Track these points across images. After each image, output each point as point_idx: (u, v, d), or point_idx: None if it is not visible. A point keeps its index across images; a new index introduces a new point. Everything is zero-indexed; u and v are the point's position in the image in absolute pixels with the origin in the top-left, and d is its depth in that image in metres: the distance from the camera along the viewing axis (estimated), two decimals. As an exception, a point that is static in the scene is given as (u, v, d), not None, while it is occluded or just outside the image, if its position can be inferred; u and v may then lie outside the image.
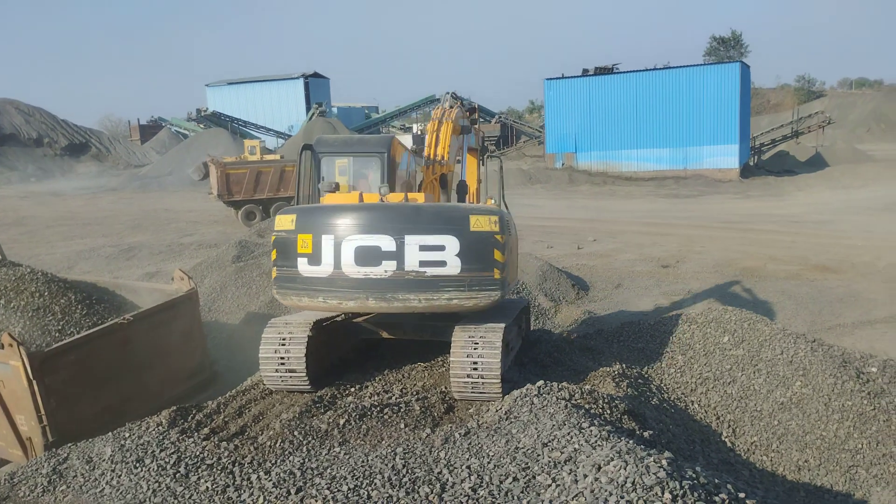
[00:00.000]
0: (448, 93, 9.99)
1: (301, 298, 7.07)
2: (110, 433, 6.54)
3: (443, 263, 6.73)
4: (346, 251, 6.81)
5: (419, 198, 7.81)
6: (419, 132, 66.38)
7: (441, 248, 6.73)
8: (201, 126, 67.34)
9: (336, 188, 7.96)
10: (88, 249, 23.33)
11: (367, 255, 6.78)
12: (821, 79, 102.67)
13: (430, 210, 7.11)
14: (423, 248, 6.72)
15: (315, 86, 77.34)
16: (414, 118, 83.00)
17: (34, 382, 7.27)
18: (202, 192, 38.98)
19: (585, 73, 48.56)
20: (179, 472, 5.85)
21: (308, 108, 71.39)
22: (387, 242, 6.75)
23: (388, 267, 6.76)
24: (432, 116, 9.36)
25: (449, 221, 6.84)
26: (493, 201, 8.76)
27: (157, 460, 6.01)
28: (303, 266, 6.97)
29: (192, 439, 6.35)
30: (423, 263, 6.73)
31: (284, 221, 7.10)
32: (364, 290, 6.83)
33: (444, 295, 6.77)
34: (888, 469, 6.94)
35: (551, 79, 48.04)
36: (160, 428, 6.54)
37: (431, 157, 8.95)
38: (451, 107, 9.55)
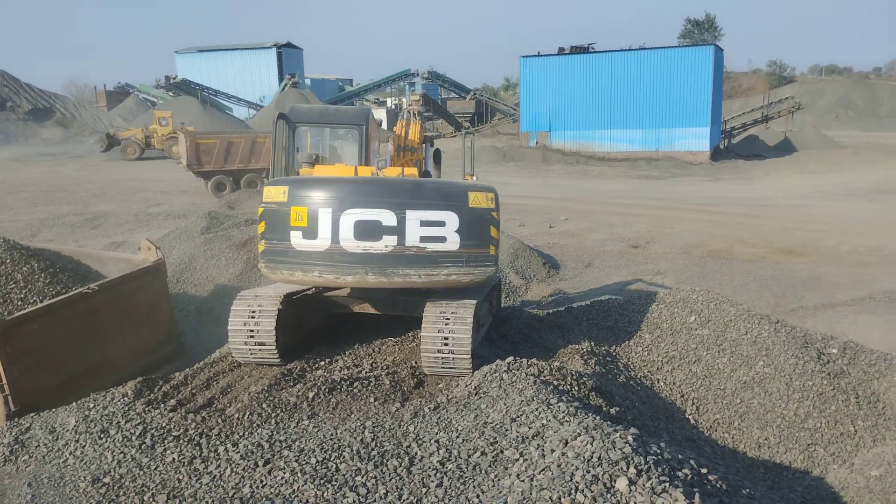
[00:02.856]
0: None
1: (293, 273, 6.94)
2: (74, 403, 6.44)
3: (443, 239, 6.75)
4: (344, 225, 6.72)
5: (414, 173, 7.77)
6: (393, 106, 65.95)
7: (441, 223, 6.74)
8: (170, 94, 65.96)
9: (316, 160, 7.86)
10: (52, 217, 22.83)
11: (368, 230, 6.71)
12: (792, 64, 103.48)
13: (430, 185, 7.09)
14: (423, 223, 6.72)
15: (288, 56, 76.10)
16: (388, 92, 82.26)
17: (-5, 351, 7.12)
18: (171, 161, 38.26)
19: (561, 51, 48.42)
20: (145, 443, 5.79)
21: (281, 79, 70.34)
22: (388, 217, 6.70)
23: (389, 242, 6.72)
24: (400, 117, 9.64)
25: (449, 197, 6.84)
26: (473, 177, 8.75)
27: (122, 431, 5.94)
28: (296, 240, 6.84)
29: (158, 410, 6.29)
30: (423, 239, 6.74)
31: (275, 193, 6.92)
32: (363, 265, 6.77)
33: (443, 270, 6.80)
34: (845, 448, 7.15)
35: (527, 56, 47.82)
36: (126, 399, 6.46)
37: (402, 145, 8.98)
38: (418, 115, 9.72)
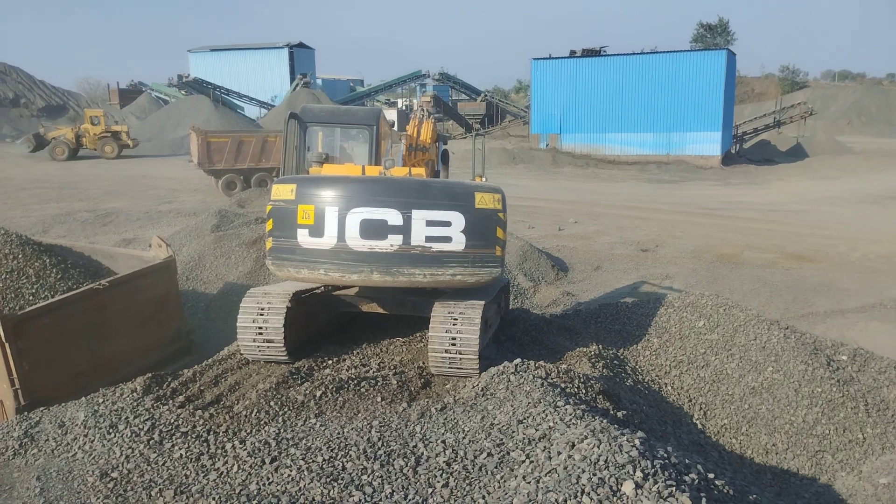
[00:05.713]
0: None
1: (300, 270, 6.95)
2: (83, 398, 6.48)
3: (448, 239, 6.74)
4: (350, 224, 6.73)
5: (421, 173, 7.78)
6: (404, 107, 66.11)
7: (447, 223, 6.73)
8: (183, 92, 66.27)
9: (326, 159, 7.88)
10: (64, 213, 22.99)
11: (373, 229, 6.71)
12: (805, 70, 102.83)
13: (437, 185, 7.08)
14: (429, 223, 6.72)
15: (300, 56, 76.32)
16: (399, 93, 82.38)
17: (7, 345, 7.18)
18: (182, 159, 38.44)
19: (573, 54, 48.34)
20: (153, 438, 5.82)
21: (292, 79, 70.55)
22: (394, 216, 6.69)
23: (395, 241, 6.72)
24: (412, 116, 9.65)
25: (455, 197, 6.83)
26: (482, 179, 8.75)
27: (130, 426, 5.97)
28: (303, 237, 6.85)
29: (166, 407, 6.32)
30: (429, 238, 6.73)
31: (283, 191, 6.94)
32: (369, 264, 6.78)
33: (448, 270, 6.79)
34: (853, 455, 7.11)
35: (538, 59, 47.79)
36: (134, 394, 6.50)
37: (414, 145, 8.99)
38: (430, 115, 9.78)
